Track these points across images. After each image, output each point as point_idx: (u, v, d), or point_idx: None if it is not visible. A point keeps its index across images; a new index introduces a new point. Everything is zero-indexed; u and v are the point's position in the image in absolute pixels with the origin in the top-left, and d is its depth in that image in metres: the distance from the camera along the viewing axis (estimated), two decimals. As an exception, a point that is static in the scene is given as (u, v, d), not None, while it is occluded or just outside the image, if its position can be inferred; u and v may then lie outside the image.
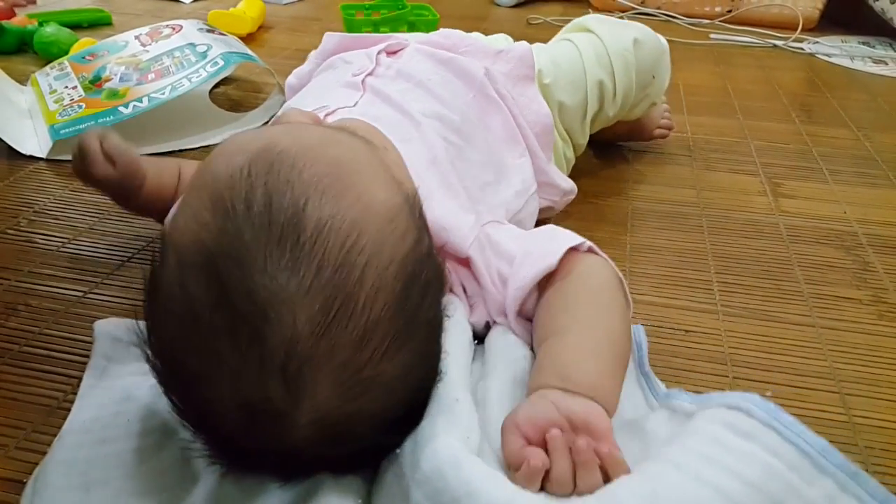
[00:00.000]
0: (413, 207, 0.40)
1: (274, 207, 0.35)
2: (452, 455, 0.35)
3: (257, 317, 0.33)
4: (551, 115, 0.68)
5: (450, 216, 0.51)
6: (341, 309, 0.34)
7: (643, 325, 0.59)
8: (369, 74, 0.64)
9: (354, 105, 0.59)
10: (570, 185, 0.70)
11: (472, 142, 0.60)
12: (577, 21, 0.82)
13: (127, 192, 0.61)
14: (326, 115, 0.57)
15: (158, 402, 0.43)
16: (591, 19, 0.80)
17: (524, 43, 0.74)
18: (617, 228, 0.74)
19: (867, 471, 0.46)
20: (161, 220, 0.62)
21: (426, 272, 0.38)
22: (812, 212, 0.80)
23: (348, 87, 0.62)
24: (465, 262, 0.52)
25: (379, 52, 0.68)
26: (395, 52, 0.70)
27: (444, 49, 0.67)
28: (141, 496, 0.40)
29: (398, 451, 0.39)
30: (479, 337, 0.52)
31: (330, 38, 0.76)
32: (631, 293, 0.62)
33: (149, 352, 0.38)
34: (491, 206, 0.57)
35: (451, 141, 0.58)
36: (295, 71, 0.77)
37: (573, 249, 0.50)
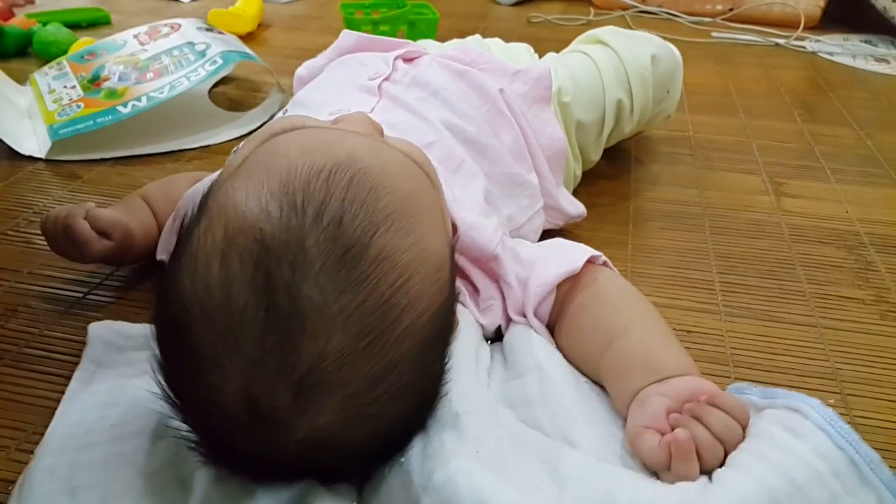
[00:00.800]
0: (454, 256, 0.41)
1: (344, 225, 0.35)
2: (465, 467, 0.36)
3: (294, 323, 0.33)
4: (565, 140, 0.68)
5: (473, 217, 0.52)
6: (372, 343, 0.34)
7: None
8: (386, 79, 0.64)
9: (371, 111, 0.59)
10: (577, 210, 0.69)
11: (484, 153, 0.60)
12: (591, 33, 0.81)
13: (124, 254, 0.59)
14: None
15: (143, 406, 0.43)
16: (607, 32, 0.79)
17: (543, 63, 0.73)
18: (618, 228, 0.74)
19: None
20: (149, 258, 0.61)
21: (448, 326, 0.40)
22: (814, 211, 0.80)
23: (364, 92, 0.62)
24: (483, 263, 0.52)
25: (396, 58, 0.67)
26: (411, 60, 0.69)
27: (461, 63, 0.67)
28: (127, 500, 0.40)
29: (402, 460, 0.39)
30: (489, 339, 0.52)
31: (348, 36, 0.75)
32: (632, 294, 0.63)
33: (159, 313, 0.37)
34: (500, 218, 0.58)
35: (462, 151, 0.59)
36: (306, 63, 0.76)
37: (589, 262, 0.52)
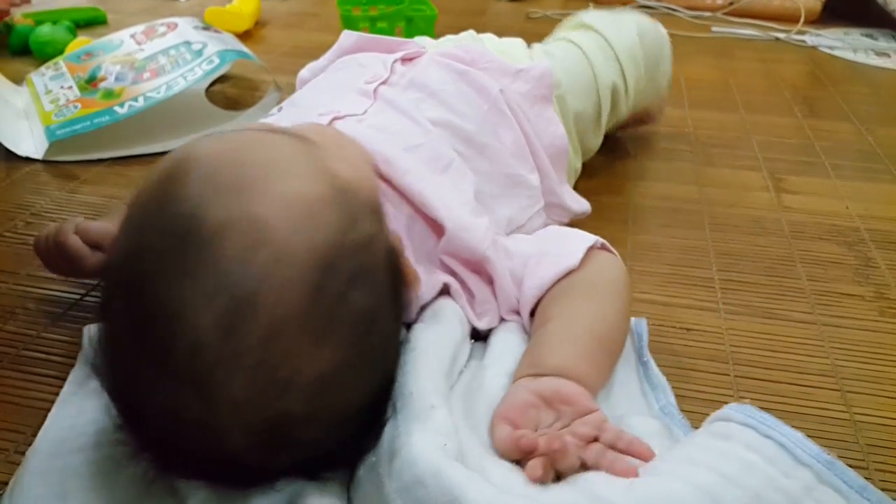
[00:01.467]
0: (350, 197, 0.39)
1: (172, 214, 0.35)
2: (432, 463, 0.35)
3: (161, 327, 0.33)
4: (567, 137, 0.68)
5: (464, 217, 0.52)
6: (244, 310, 0.33)
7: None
8: (382, 83, 0.64)
9: (364, 113, 0.59)
10: (582, 207, 0.68)
11: (483, 153, 0.60)
12: (575, 17, 0.81)
13: None
14: (334, 118, 0.57)
15: None
16: (590, 16, 0.79)
17: (544, 61, 0.73)
18: (618, 226, 0.74)
19: (867, 468, 0.46)
20: None
21: (353, 264, 0.37)
22: (814, 207, 0.79)
23: (360, 95, 0.62)
24: (476, 267, 0.52)
25: (395, 62, 0.67)
26: (411, 60, 0.69)
27: (462, 63, 0.67)
28: None
29: (374, 458, 0.38)
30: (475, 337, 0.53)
31: (347, 37, 0.75)
32: (633, 291, 0.63)
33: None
34: (496, 219, 0.58)
35: (460, 151, 0.59)
36: (309, 65, 0.76)
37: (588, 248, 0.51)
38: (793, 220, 0.77)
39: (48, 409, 0.47)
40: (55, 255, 0.56)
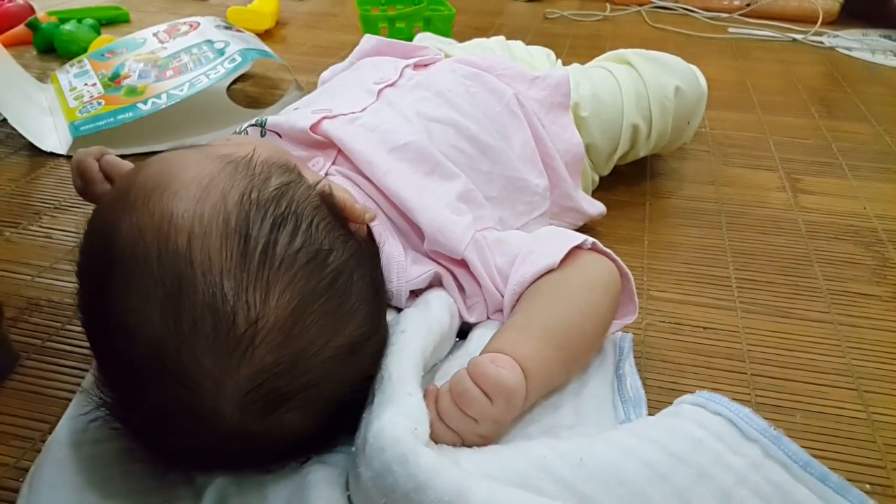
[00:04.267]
0: (248, 163, 0.41)
1: (94, 245, 0.39)
2: (399, 451, 0.35)
3: (120, 338, 0.36)
4: (583, 144, 0.68)
5: (442, 218, 0.52)
6: (182, 288, 0.35)
7: (661, 322, 0.59)
8: (390, 86, 0.64)
9: (362, 111, 0.60)
10: (597, 209, 0.69)
11: (486, 153, 0.60)
12: (619, 52, 0.79)
13: None
14: (323, 118, 0.57)
15: None
16: (634, 54, 0.77)
17: (562, 69, 0.72)
18: (635, 225, 0.74)
19: (885, 467, 0.46)
20: None
21: (274, 212, 0.38)
22: (831, 208, 0.79)
23: (365, 93, 0.63)
24: (463, 263, 0.52)
25: (406, 66, 0.68)
26: (425, 65, 0.70)
27: (478, 68, 0.67)
28: (136, 495, 0.40)
29: (353, 448, 0.39)
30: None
31: (367, 40, 0.77)
32: (649, 290, 0.63)
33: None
34: (492, 219, 0.57)
35: (462, 149, 0.59)
36: (332, 67, 0.78)
37: (576, 248, 0.50)
38: (809, 220, 0.76)
39: (71, 400, 0.48)
40: (75, 174, 0.58)
